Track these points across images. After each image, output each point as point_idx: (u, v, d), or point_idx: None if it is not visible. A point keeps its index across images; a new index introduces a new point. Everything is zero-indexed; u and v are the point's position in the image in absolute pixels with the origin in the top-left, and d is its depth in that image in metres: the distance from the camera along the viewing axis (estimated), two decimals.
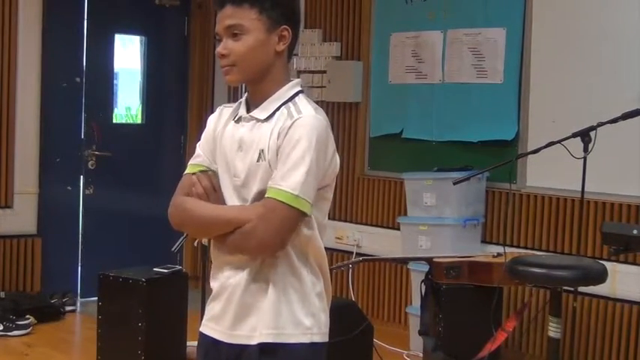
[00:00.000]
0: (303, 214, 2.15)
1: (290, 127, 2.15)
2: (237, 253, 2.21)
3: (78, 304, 6.19)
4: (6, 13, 5.99)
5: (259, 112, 2.24)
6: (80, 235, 6.43)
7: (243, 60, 2.21)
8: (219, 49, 2.23)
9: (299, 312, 2.21)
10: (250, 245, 2.16)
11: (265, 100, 2.24)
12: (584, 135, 4.03)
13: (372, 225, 5.95)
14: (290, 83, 2.28)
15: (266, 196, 2.14)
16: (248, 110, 2.27)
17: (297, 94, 2.26)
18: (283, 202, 2.11)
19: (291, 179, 2.12)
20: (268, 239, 2.13)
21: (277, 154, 2.16)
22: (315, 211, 2.19)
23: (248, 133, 2.23)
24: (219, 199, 2.27)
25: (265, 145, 2.18)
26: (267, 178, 2.17)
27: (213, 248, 2.31)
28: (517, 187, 5.08)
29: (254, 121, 2.24)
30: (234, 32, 2.20)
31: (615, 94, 4.69)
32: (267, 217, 2.13)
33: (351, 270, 6.00)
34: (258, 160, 2.19)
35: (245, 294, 2.21)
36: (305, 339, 2.21)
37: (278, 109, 2.22)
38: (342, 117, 6.09)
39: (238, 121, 2.28)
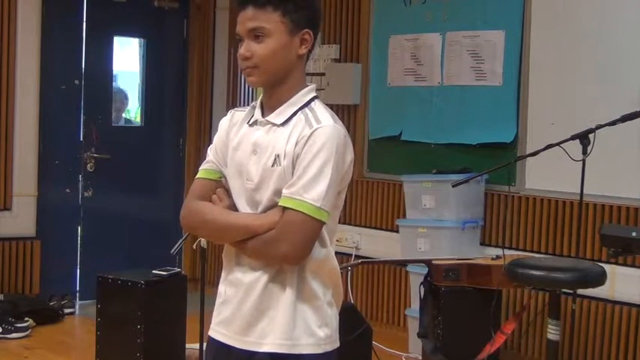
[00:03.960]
0: (323, 224, 2.16)
1: (310, 137, 2.14)
2: (258, 260, 2.20)
3: (77, 307, 6.19)
4: (5, 16, 5.98)
5: (275, 117, 2.22)
6: (79, 238, 6.42)
7: (266, 63, 2.19)
8: (242, 50, 2.20)
9: (313, 323, 2.20)
10: (273, 254, 2.16)
11: (281, 104, 2.23)
12: (583, 137, 4.03)
13: (371, 227, 5.95)
14: (306, 88, 2.27)
15: (286, 206, 2.13)
16: (263, 114, 2.26)
17: (312, 99, 2.26)
18: (306, 214, 2.12)
19: (313, 191, 2.12)
20: (291, 250, 2.13)
21: (293, 161, 2.15)
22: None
23: (263, 137, 2.22)
24: (232, 206, 2.26)
25: (281, 150, 2.17)
26: (281, 183, 2.16)
27: (226, 250, 2.30)
28: (516, 190, 5.08)
29: (270, 125, 2.23)
30: (257, 34, 2.18)
31: (614, 97, 4.69)
32: (290, 228, 2.13)
33: (350, 272, 5.99)
34: (272, 165, 2.18)
35: (260, 297, 2.19)
36: (319, 350, 2.21)
37: (295, 114, 2.21)
38: (340, 119, 6.06)
39: (253, 124, 2.26)
